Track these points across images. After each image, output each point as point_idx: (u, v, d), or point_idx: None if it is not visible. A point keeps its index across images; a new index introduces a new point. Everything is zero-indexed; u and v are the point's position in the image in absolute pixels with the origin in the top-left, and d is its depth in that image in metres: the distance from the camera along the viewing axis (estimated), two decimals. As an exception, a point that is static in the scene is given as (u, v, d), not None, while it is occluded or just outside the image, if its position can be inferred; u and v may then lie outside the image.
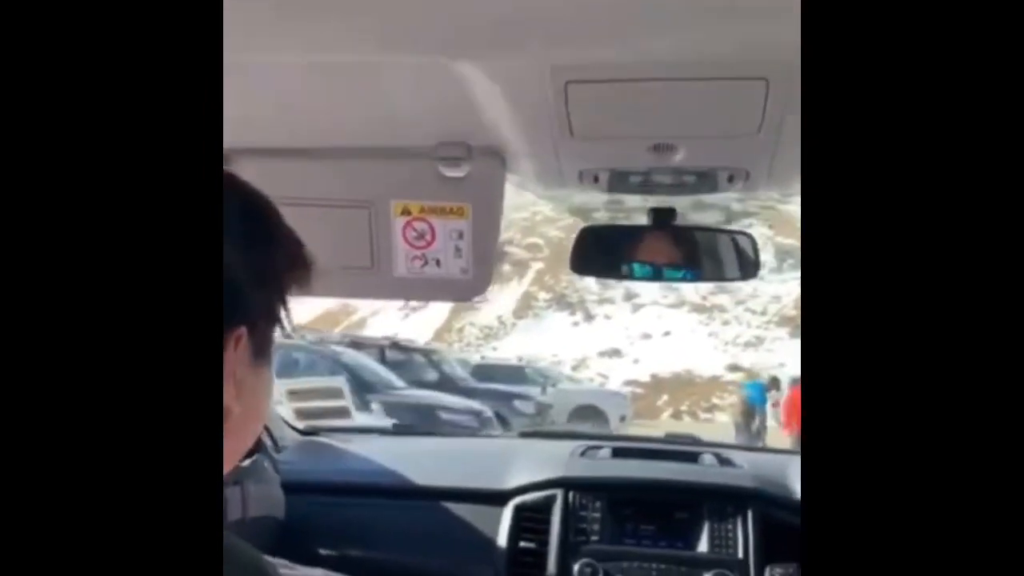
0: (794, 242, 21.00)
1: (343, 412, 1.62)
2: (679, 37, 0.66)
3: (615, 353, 21.78)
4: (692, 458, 1.34)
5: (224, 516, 0.98)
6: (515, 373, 12.70)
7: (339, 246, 1.04)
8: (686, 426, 18.16)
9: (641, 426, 15.03)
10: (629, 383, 21.22)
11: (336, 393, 1.66)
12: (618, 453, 1.33)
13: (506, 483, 1.26)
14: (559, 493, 1.20)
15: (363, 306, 23.82)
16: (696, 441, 1.52)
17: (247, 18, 0.69)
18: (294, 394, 1.61)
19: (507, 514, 1.21)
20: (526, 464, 1.28)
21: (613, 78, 0.74)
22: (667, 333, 21.47)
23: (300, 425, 1.53)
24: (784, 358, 20.42)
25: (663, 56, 0.70)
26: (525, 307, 24.11)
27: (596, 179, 0.96)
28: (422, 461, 1.33)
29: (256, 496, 1.03)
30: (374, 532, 1.22)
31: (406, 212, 1.01)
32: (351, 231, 1.02)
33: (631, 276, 0.97)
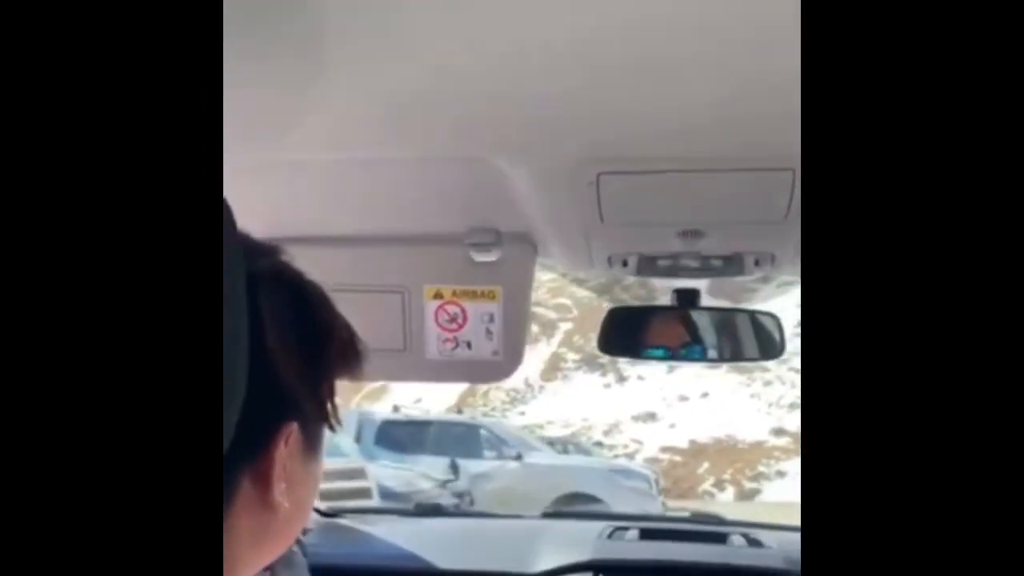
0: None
1: (365, 493, 1.68)
2: (709, 134, 0.73)
3: (650, 417, 21.51)
4: (720, 539, 1.37)
5: None
6: (459, 437, 8.44)
7: (372, 330, 1.11)
8: (728, 502, 17.67)
9: (679, 501, 14.59)
10: (666, 450, 20.86)
11: (358, 474, 1.72)
12: (646, 535, 1.37)
13: (532, 566, 1.30)
14: None
15: (382, 369, 23.67)
16: (722, 521, 1.55)
17: (296, 119, 0.78)
18: None
19: None
20: (552, 546, 1.32)
21: (644, 169, 0.82)
22: (705, 395, 21.20)
23: (322, 506, 1.59)
24: (833, 421, 19.86)
25: (693, 151, 0.78)
26: (553, 369, 24.02)
27: (625, 263, 1.04)
28: (445, 543, 1.38)
29: (286, 582, 1.09)
30: None
31: (438, 296, 1.09)
32: (385, 315, 1.11)
33: (651, 357, 1.04)
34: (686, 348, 1.02)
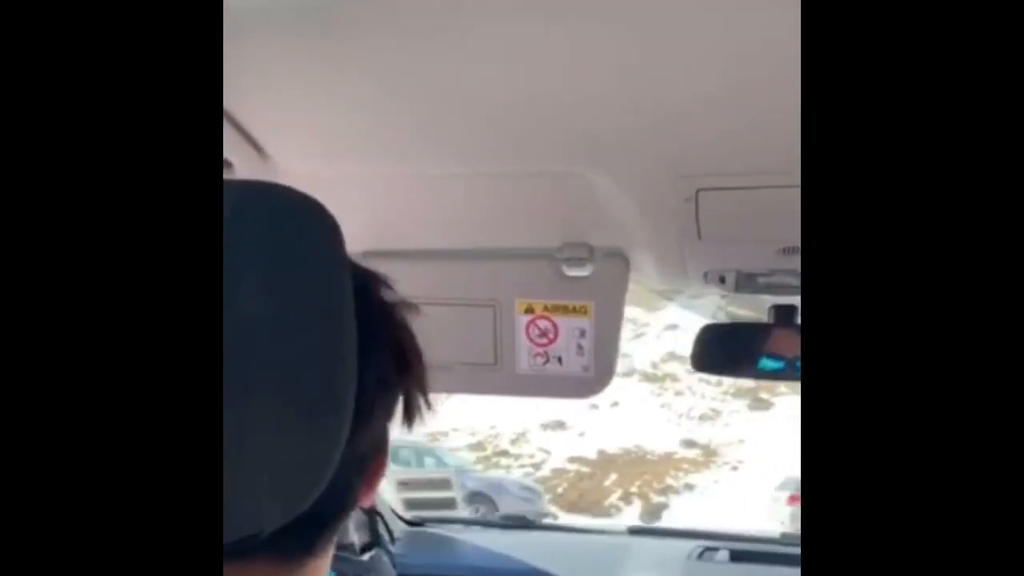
0: (748, 312, 21.51)
1: (450, 504, 1.71)
2: None
3: (559, 425, 21.80)
4: None
5: None
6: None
7: (463, 343, 1.17)
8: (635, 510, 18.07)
9: (585, 515, 14.70)
10: (574, 460, 21.17)
11: (444, 485, 1.75)
12: (736, 557, 1.43)
13: None
14: None
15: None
16: None
17: (391, 133, 0.81)
18: (404, 484, 1.69)
19: None
20: (642, 565, 1.39)
21: (745, 185, 0.84)
22: (615, 404, 21.66)
23: (407, 516, 1.63)
24: (743, 433, 20.81)
25: (795, 166, 0.84)
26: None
27: (722, 280, 1.09)
28: (532, 556, 1.43)
29: (376, 591, 1.12)
30: None
31: (529, 310, 1.15)
32: (475, 328, 1.16)
33: (759, 374, 1.11)
34: (783, 367, 1.09)
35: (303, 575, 0.48)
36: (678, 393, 22.19)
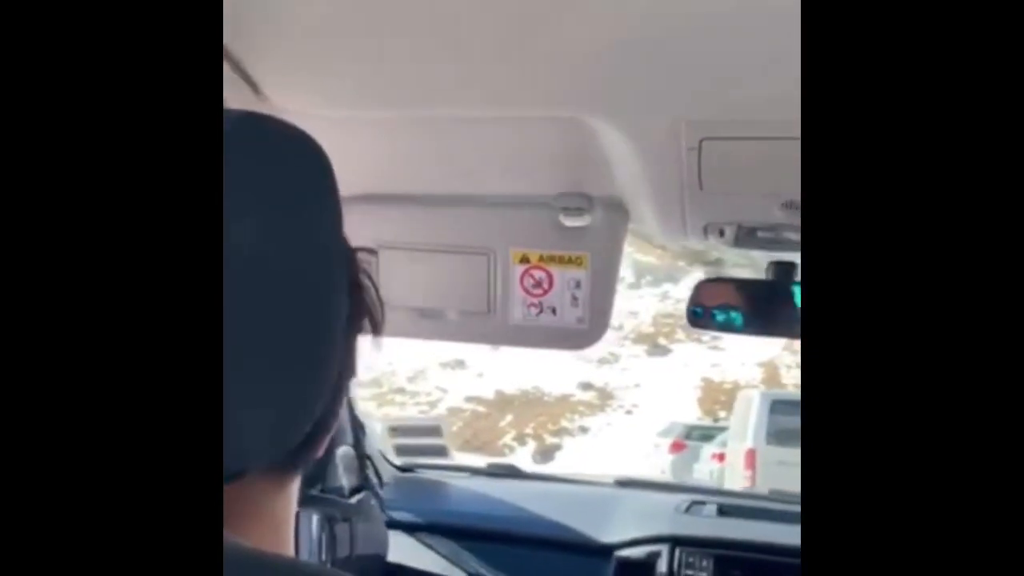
0: (653, 260, 22.12)
1: (441, 451, 1.70)
2: None
3: (459, 364, 22.02)
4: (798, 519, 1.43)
5: (333, 553, 1.06)
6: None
7: (457, 291, 1.15)
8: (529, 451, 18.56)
9: (477, 454, 15.01)
10: (471, 399, 21.49)
11: (435, 431, 1.73)
12: (724, 511, 1.47)
13: (609, 535, 1.39)
14: (664, 550, 1.34)
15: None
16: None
17: (385, 76, 0.79)
18: (395, 431, 1.67)
19: (610, 569, 1.35)
20: (629, 516, 1.42)
21: (749, 135, 0.84)
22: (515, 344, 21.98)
23: (398, 461, 1.62)
24: (640, 377, 21.62)
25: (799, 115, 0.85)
26: (376, 350, 23.57)
27: (722, 233, 1.09)
28: (521, 505, 1.45)
29: (364, 534, 1.12)
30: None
31: (525, 260, 1.15)
32: (470, 276, 1.14)
33: (746, 331, 1.14)
34: (779, 323, 1.12)
35: (288, 493, 0.51)
36: (578, 336, 22.65)
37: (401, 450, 1.69)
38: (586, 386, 21.11)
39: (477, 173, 1.08)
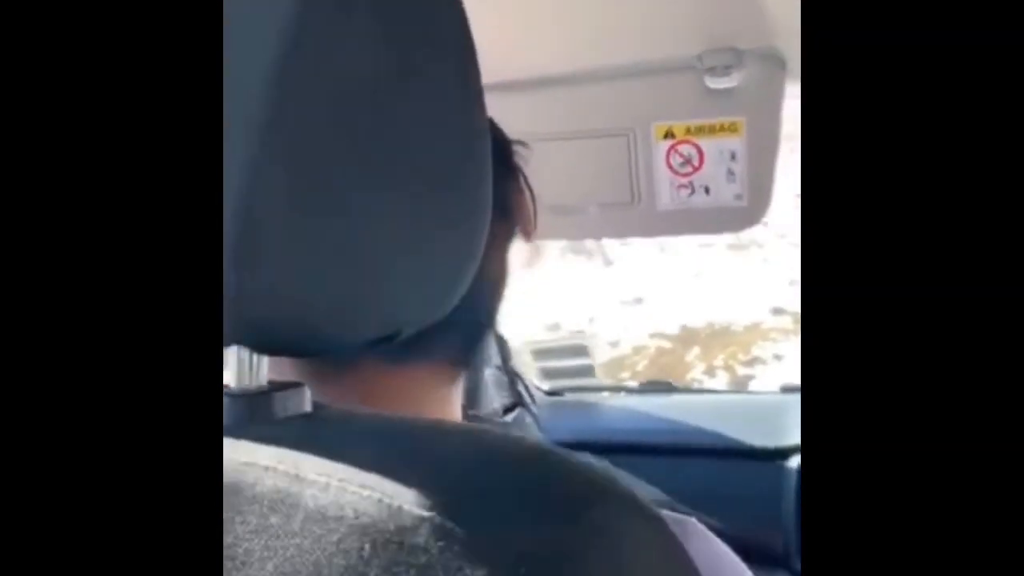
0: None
1: (588, 371, 1.68)
2: None
3: (638, 302, 21.93)
4: None
5: None
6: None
7: (596, 181, 1.06)
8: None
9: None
10: (655, 336, 21.36)
11: (581, 351, 1.71)
12: None
13: (784, 440, 1.30)
14: None
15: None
16: None
17: None
18: (539, 353, 1.66)
19: (791, 472, 1.26)
20: (796, 422, 1.32)
21: None
22: (698, 275, 21.60)
23: (545, 386, 1.59)
24: (835, 297, 20.44)
25: None
26: (534, 258, 24.09)
27: None
28: (682, 418, 1.38)
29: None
30: (645, 491, 1.28)
31: (669, 135, 1.03)
32: (608, 163, 1.05)
33: None
34: None
35: (452, 394, 0.51)
36: (764, 260, 21.92)
37: (548, 373, 1.63)
38: (778, 311, 20.35)
39: (602, 43, 0.98)
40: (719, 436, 1.34)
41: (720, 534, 0.46)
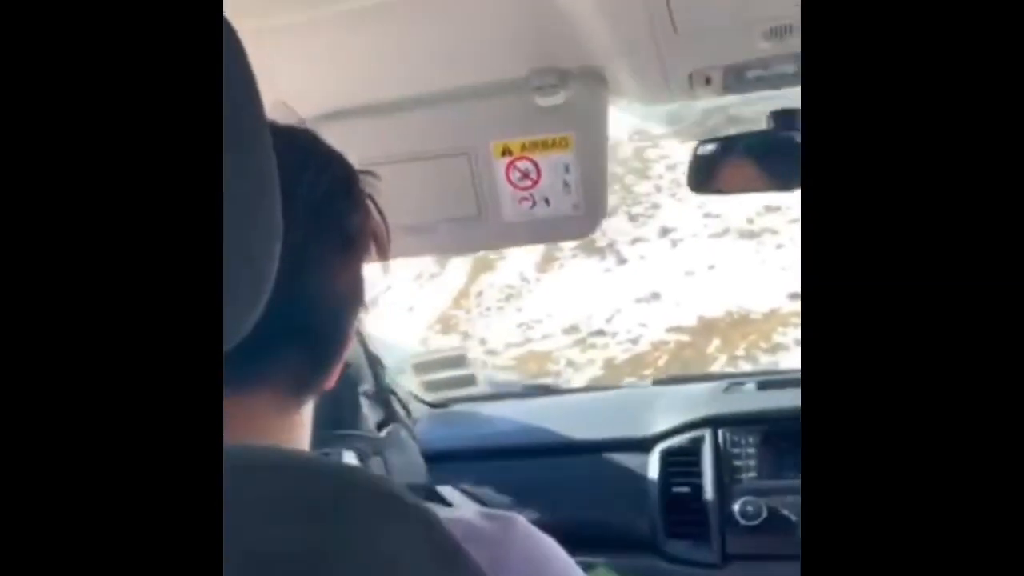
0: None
1: (469, 381, 1.75)
2: None
3: (654, 297, 21.77)
4: None
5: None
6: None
7: (442, 198, 1.14)
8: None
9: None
10: (672, 330, 21.19)
11: (460, 362, 1.78)
12: (764, 386, 1.43)
13: (650, 429, 1.37)
14: (707, 433, 1.31)
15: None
16: None
17: None
18: (420, 367, 1.74)
19: (654, 460, 1.33)
20: (669, 408, 1.40)
21: None
22: (712, 267, 21.40)
23: (429, 399, 1.67)
24: (852, 278, 20.11)
25: None
26: (549, 259, 24.00)
27: (708, 80, 1.00)
28: (559, 418, 1.46)
29: (399, 466, 1.15)
30: (520, 492, 1.35)
31: (507, 152, 1.11)
32: (452, 181, 1.12)
33: (761, 187, 1.04)
34: (789, 180, 1.02)
35: (293, 422, 0.51)
36: (778, 246, 21.66)
37: (431, 386, 1.70)
38: (795, 296, 20.09)
39: (437, 67, 1.04)
40: (592, 431, 1.41)
41: (546, 527, 0.49)
